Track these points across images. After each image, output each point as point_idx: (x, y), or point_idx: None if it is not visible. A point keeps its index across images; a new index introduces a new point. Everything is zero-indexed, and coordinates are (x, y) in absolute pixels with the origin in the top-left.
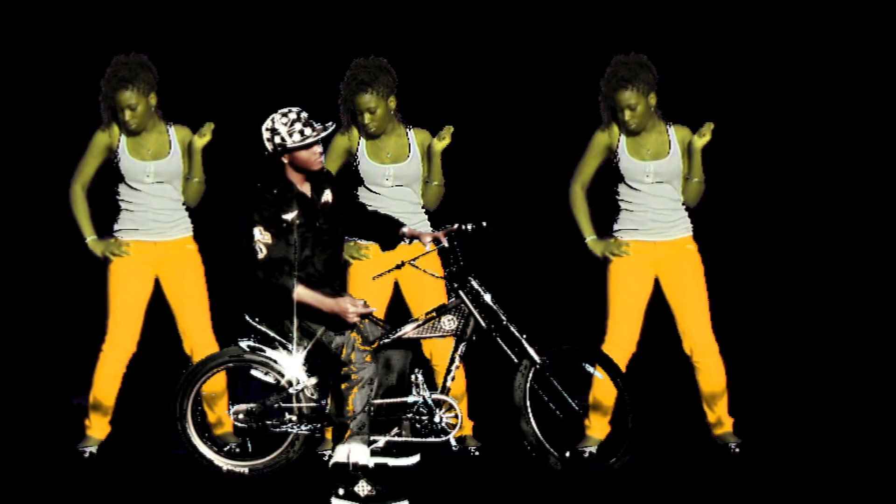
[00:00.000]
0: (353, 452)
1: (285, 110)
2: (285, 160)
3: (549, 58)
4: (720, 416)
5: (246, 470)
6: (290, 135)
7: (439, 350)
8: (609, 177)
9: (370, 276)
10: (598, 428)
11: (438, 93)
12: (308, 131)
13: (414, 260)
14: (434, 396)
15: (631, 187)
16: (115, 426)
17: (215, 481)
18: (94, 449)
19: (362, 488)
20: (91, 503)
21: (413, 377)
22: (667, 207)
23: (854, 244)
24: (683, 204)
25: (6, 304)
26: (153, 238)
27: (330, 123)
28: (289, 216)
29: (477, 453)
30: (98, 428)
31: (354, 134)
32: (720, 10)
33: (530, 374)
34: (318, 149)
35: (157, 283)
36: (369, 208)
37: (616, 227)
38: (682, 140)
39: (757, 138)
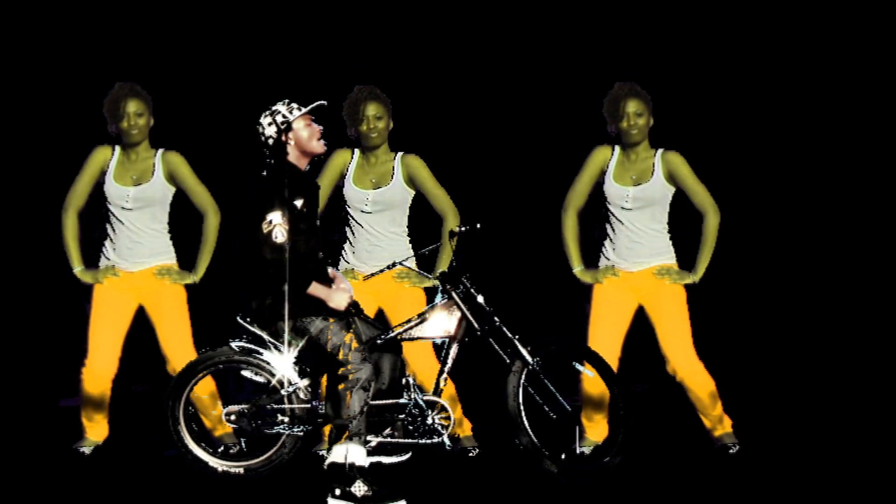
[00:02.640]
0: (351, 453)
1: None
2: (291, 140)
3: (538, 69)
4: (718, 419)
5: (240, 470)
6: (290, 111)
7: (414, 355)
8: (596, 201)
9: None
10: (595, 429)
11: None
12: (303, 108)
13: (405, 260)
14: (426, 398)
15: (611, 212)
16: (114, 427)
17: (212, 482)
18: (87, 449)
19: (359, 488)
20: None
21: (405, 379)
22: (644, 234)
23: (851, 247)
24: (669, 232)
25: (4, 306)
26: (132, 268)
27: (321, 102)
28: (298, 203)
29: (476, 453)
30: (95, 431)
31: (348, 155)
32: (713, 18)
33: (523, 376)
34: (318, 128)
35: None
36: None
37: (601, 255)
38: (667, 167)
39: (748, 145)
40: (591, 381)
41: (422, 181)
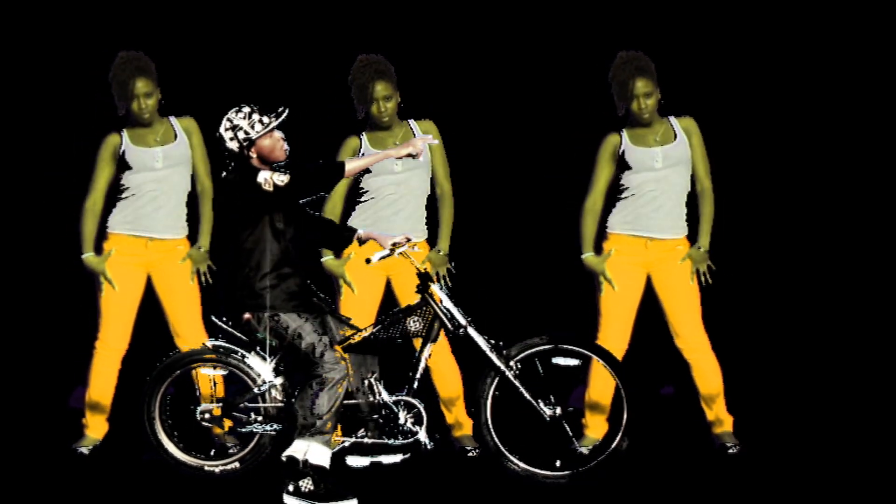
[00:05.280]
0: (311, 451)
1: (237, 108)
2: (253, 154)
3: (541, 58)
4: (718, 415)
5: (233, 467)
6: (252, 126)
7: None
8: (614, 175)
9: (360, 273)
10: (595, 427)
11: (430, 93)
12: (266, 119)
13: (401, 249)
14: (396, 398)
15: (637, 179)
16: (114, 425)
17: (206, 483)
18: (86, 449)
19: (305, 485)
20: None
21: (366, 381)
22: (671, 200)
23: (854, 243)
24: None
25: (4, 304)
26: (147, 234)
27: (282, 109)
28: None
29: (475, 453)
30: (96, 427)
31: (356, 142)
32: (718, 10)
33: (494, 385)
34: (280, 135)
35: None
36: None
37: (611, 217)
38: (685, 129)
39: (752, 136)
40: (595, 377)
41: (435, 148)
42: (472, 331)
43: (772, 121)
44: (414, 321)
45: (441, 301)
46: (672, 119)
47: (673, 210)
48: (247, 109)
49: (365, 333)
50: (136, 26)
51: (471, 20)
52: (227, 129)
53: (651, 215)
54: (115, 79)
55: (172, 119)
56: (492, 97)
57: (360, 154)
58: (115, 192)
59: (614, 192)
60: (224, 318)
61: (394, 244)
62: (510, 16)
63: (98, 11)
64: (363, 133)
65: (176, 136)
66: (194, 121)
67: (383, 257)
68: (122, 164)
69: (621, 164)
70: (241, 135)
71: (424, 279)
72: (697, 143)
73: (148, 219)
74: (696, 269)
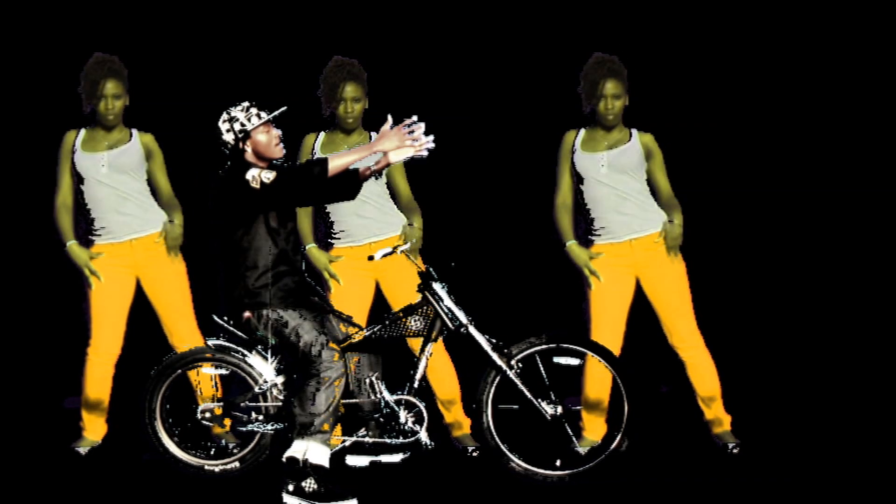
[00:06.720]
0: (311, 450)
1: (235, 103)
2: (248, 147)
3: (529, 55)
4: (717, 415)
5: (231, 466)
6: (249, 119)
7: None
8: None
9: (348, 277)
10: (592, 428)
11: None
12: (264, 114)
13: (404, 248)
14: (397, 397)
15: (588, 186)
16: (113, 426)
17: (205, 481)
18: (83, 449)
19: (308, 485)
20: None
21: (367, 380)
22: (629, 203)
23: (853, 241)
24: (655, 196)
25: (3, 304)
26: (125, 237)
27: (282, 108)
28: None
29: (475, 453)
30: (93, 429)
31: (313, 139)
32: (699, 12)
33: (494, 385)
34: (276, 133)
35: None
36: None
37: (586, 230)
38: (644, 143)
39: (750, 133)
40: (591, 379)
41: (394, 169)
42: (473, 330)
43: (771, 119)
44: (415, 320)
45: (442, 300)
46: (634, 132)
47: (637, 210)
48: (245, 104)
49: (366, 333)
50: (131, 28)
51: (450, 23)
52: (224, 122)
53: (619, 220)
54: (86, 77)
55: (134, 131)
56: (485, 96)
57: (312, 153)
58: (78, 204)
59: (579, 202)
60: (225, 318)
61: (395, 249)
62: (488, 18)
63: (95, 11)
64: (322, 132)
65: (129, 141)
66: (154, 138)
67: (386, 255)
68: (73, 167)
69: (573, 168)
70: (237, 126)
71: (426, 278)
72: (659, 161)
73: (117, 225)
74: (674, 246)
